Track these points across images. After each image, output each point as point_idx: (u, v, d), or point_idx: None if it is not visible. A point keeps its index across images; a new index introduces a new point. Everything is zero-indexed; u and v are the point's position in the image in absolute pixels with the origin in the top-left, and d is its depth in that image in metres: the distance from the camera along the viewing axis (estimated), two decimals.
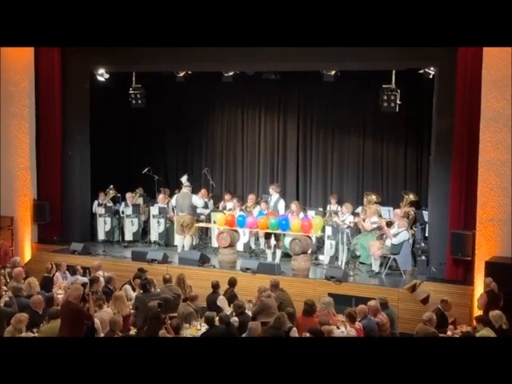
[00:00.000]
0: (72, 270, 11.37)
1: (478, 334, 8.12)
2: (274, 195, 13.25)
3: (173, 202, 13.59)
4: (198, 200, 13.22)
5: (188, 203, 13.05)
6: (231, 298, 9.76)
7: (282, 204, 13.08)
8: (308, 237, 11.76)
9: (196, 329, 8.74)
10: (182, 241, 13.16)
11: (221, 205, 14.17)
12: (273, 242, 12.38)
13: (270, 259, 12.37)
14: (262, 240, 13.09)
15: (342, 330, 8.50)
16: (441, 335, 8.36)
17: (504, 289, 9.79)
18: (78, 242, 13.30)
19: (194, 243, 13.59)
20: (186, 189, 13.33)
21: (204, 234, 14.19)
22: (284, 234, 12.42)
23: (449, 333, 8.89)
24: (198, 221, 13.50)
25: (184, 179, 13.60)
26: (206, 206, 13.98)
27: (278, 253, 12.40)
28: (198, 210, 13.45)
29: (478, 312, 9.84)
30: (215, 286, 9.94)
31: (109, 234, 13.97)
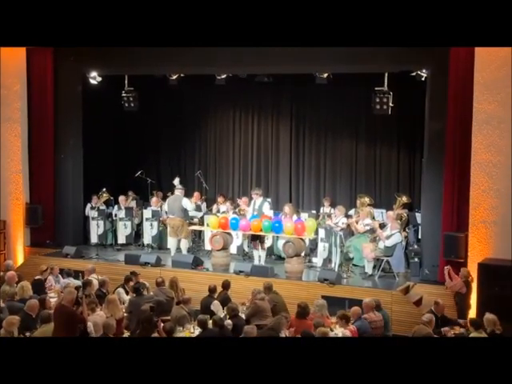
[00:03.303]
0: (68, 271, 11.32)
1: (470, 336, 8.16)
2: (258, 199, 13.20)
3: (165, 204, 13.59)
4: (188, 203, 13.18)
5: (178, 206, 13.02)
6: (224, 300, 9.75)
7: (266, 206, 13.05)
8: (301, 239, 11.76)
9: (189, 332, 8.72)
10: (175, 244, 13.14)
11: (214, 207, 14.17)
12: (258, 243, 12.40)
13: (261, 262, 12.35)
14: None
15: (336, 332, 8.51)
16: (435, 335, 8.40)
17: (497, 290, 9.85)
18: (71, 246, 13.26)
19: (188, 246, 13.59)
20: (177, 191, 13.31)
21: (197, 236, 14.18)
22: (277, 237, 12.46)
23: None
24: (191, 224, 13.48)
25: (176, 182, 13.58)
26: (198, 209, 13.98)
27: (262, 254, 12.41)
28: (190, 213, 13.43)
29: (472, 312, 9.94)
30: (212, 290, 9.91)
31: (102, 237, 13.94)
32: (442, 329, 8.98)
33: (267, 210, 12.92)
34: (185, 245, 13.08)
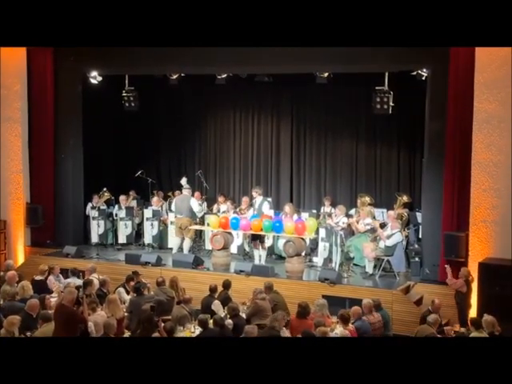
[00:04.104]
0: (74, 271, 11.27)
1: (471, 336, 8.16)
2: (258, 198, 13.14)
3: (173, 204, 13.60)
4: (196, 203, 13.20)
5: (186, 206, 13.05)
6: (225, 300, 9.76)
7: (266, 205, 13.03)
8: (302, 239, 11.76)
9: (190, 331, 8.72)
10: (178, 243, 13.16)
11: (214, 207, 14.18)
12: (259, 243, 12.41)
13: (262, 261, 12.35)
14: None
15: (336, 331, 8.50)
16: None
17: (498, 290, 9.85)
18: (72, 245, 13.26)
19: (189, 246, 13.58)
20: (185, 191, 13.36)
21: (198, 236, 14.18)
22: (278, 236, 12.46)
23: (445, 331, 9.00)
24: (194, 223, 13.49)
25: (184, 181, 13.63)
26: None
27: (263, 254, 12.42)
28: (197, 214, 13.44)
29: (472, 312, 9.95)
30: (212, 290, 9.92)
31: (102, 236, 13.94)
32: (444, 328, 9.01)
33: (267, 210, 12.91)
34: (187, 244, 13.09)
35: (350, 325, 8.65)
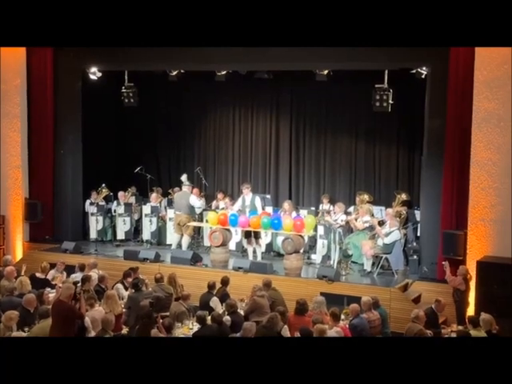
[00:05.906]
0: (82, 266, 11.21)
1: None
2: (248, 195, 13.02)
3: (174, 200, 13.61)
4: (196, 200, 13.19)
5: (185, 203, 13.04)
6: (223, 297, 9.77)
7: (258, 201, 13.00)
8: (300, 236, 11.76)
9: (188, 328, 8.74)
10: (177, 239, 13.15)
11: (213, 204, 14.18)
12: (253, 240, 12.41)
13: (258, 258, 12.36)
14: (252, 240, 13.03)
15: (335, 329, 8.51)
16: (431, 334, 8.41)
17: (495, 288, 9.87)
18: (70, 241, 13.26)
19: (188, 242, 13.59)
20: (185, 188, 13.34)
21: (196, 233, 14.18)
22: (276, 233, 12.46)
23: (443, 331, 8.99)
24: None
25: (184, 178, 13.62)
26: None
27: (259, 250, 12.45)
28: (197, 210, 13.43)
29: (470, 310, 9.97)
30: (211, 287, 9.92)
31: (101, 232, 13.96)
32: (442, 330, 9.01)
33: (259, 206, 12.88)
34: (186, 241, 13.10)
35: (341, 322, 8.66)
